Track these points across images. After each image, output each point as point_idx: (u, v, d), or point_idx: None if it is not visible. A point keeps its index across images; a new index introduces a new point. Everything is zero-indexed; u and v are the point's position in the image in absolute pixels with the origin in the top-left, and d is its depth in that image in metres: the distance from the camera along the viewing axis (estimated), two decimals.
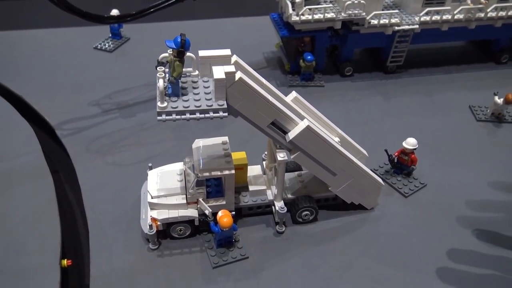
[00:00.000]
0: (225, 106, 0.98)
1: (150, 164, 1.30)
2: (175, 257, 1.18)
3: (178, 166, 1.27)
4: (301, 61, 1.83)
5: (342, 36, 1.85)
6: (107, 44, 2.09)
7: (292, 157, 1.14)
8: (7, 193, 1.34)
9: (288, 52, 1.92)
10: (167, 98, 1.00)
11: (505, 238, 1.25)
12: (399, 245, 1.23)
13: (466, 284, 1.14)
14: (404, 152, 1.39)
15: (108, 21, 1.68)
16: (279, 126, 1.11)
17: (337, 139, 1.26)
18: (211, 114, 0.98)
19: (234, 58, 1.07)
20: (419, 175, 1.42)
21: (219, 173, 1.13)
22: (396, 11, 1.81)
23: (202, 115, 0.98)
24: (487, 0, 1.83)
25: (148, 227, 1.16)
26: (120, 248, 1.20)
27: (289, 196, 1.27)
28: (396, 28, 1.80)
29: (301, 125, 1.09)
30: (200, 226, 1.20)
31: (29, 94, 1.75)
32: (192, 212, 1.18)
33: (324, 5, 1.76)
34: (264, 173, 1.34)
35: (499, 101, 1.65)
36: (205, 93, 1.02)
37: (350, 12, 1.74)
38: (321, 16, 1.73)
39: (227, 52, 1.04)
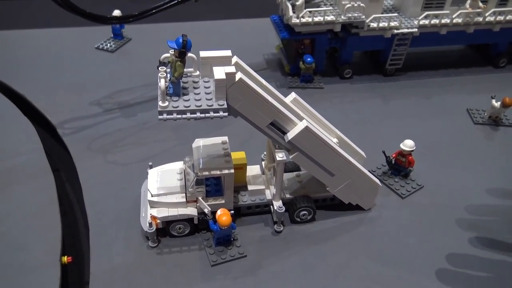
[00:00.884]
0: (225, 106, 1.00)
1: (150, 163, 1.31)
2: (174, 255, 1.19)
3: (178, 165, 1.28)
4: (301, 63, 1.85)
5: (341, 38, 1.87)
6: (109, 44, 2.11)
7: (290, 157, 1.16)
8: (8, 191, 1.35)
9: (288, 54, 1.94)
10: (168, 97, 1.01)
11: (501, 240, 1.26)
12: (396, 245, 1.25)
13: (462, 285, 1.15)
14: (402, 154, 1.40)
15: (110, 22, 1.70)
16: (278, 127, 1.12)
17: (335, 140, 1.27)
18: (212, 113, 0.99)
19: (235, 59, 1.09)
20: (416, 176, 1.44)
21: (218, 172, 1.15)
22: (395, 14, 1.83)
23: (203, 115, 0.99)
24: (486, 5, 1.85)
25: (147, 225, 1.17)
26: (120, 245, 1.21)
27: (288, 196, 1.29)
28: (395, 31, 1.81)
29: (300, 125, 1.11)
30: (199, 225, 1.22)
31: (31, 93, 1.76)
32: (191, 211, 1.20)
33: (324, 8, 1.78)
34: (263, 173, 1.35)
35: (497, 104, 1.67)
36: (206, 93, 1.03)
37: (350, 15, 1.76)
38: (321, 18, 1.75)
39: (227, 53, 1.06)
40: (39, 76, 1.89)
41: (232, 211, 1.21)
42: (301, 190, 1.30)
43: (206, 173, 1.14)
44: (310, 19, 1.74)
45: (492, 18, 1.87)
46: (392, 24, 1.80)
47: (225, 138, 1.24)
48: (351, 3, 1.74)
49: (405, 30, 1.82)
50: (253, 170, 1.34)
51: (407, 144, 1.38)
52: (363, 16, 1.76)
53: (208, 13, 2.46)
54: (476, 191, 1.42)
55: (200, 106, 0.99)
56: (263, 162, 1.38)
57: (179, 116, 0.98)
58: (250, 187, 1.29)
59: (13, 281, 1.11)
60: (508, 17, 1.88)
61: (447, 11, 1.83)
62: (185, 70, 1.04)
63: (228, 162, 1.16)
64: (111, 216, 1.29)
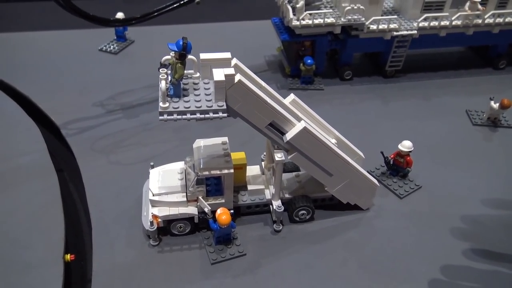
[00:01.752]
0: (225, 107, 1.02)
1: (152, 163, 1.33)
2: (175, 253, 1.21)
3: (179, 165, 1.30)
4: (301, 64, 1.87)
5: (341, 40, 1.89)
6: (112, 46, 2.13)
7: (289, 157, 1.18)
8: (12, 191, 1.38)
9: (288, 56, 1.96)
10: (168, 99, 1.03)
11: (498, 241, 1.28)
12: (394, 245, 1.26)
13: (458, 285, 1.17)
14: (400, 154, 1.42)
15: (113, 24, 1.73)
16: (277, 127, 1.14)
17: (334, 140, 1.29)
18: (211, 114, 1.02)
19: (234, 61, 1.11)
20: (414, 177, 1.46)
21: (218, 172, 1.17)
22: (395, 16, 1.85)
23: (202, 116, 1.01)
24: (485, 7, 1.86)
25: (149, 223, 1.20)
26: (122, 244, 1.23)
27: (287, 195, 1.31)
28: (395, 33, 1.83)
29: (298, 126, 1.13)
30: (200, 224, 1.24)
31: (36, 94, 1.79)
32: (192, 210, 1.22)
33: (324, 10, 1.80)
34: (263, 173, 1.37)
35: (495, 106, 1.68)
36: (206, 94, 1.05)
37: (350, 17, 1.78)
38: (321, 21, 1.77)
39: (227, 55, 1.08)
40: (43, 77, 1.91)
41: (232, 211, 1.23)
42: (300, 190, 1.32)
43: (206, 172, 1.16)
44: (310, 21, 1.76)
45: (491, 20, 1.88)
46: (391, 26, 1.82)
47: (225, 139, 1.26)
48: (351, 5, 1.76)
49: (405, 32, 1.84)
50: (253, 170, 1.36)
51: (405, 145, 1.40)
52: (363, 18, 1.78)
53: (210, 15, 2.48)
54: (474, 191, 1.44)
55: (200, 107, 1.02)
56: (262, 163, 1.40)
57: (179, 116, 1.01)
58: (249, 187, 1.31)
59: (17, 278, 1.14)
60: (508, 19, 1.89)
61: (447, 13, 1.85)
62: (185, 72, 1.06)
63: (228, 162, 1.19)
64: (113, 215, 1.31)
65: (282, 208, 1.24)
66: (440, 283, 1.17)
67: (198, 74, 1.11)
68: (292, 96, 1.23)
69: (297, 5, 1.74)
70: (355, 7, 1.76)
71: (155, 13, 1.66)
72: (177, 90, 1.03)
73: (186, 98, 1.04)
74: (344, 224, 1.32)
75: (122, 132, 1.64)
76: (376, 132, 1.68)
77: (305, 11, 1.76)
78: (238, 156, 1.28)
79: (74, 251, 1.25)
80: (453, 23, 1.86)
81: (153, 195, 1.22)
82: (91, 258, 1.20)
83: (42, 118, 1.70)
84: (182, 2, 1.68)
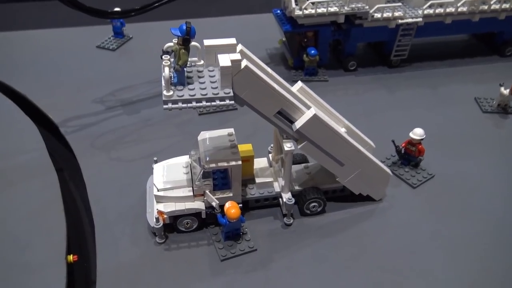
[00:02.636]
0: (231, 94, 0.98)
1: (155, 158, 1.29)
2: (182, 250, 1.17)
3: (184, 159, 1.26)
4: (304, 56, 1.82)
5: (345, 30, 1.85)
6: (110, 43, 2.08)
7: (299, 147, 1.13)
8: (12, 191, 1.33)
9: (291, 47, 1.92)
10: (173, 87, 0.99)
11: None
12: (408, 235, 1.21)
13: (477, 273, 1.12)
14: (411, 142, 1.38)
15: (111, 16, 1.68)
16: (285, 116, 1.10)
17: (343, 129, 1.24)
18: (218, 102, 0.97)
19: (239, 47, 1.07)
20: (426, 166, 1.41)
21: (225, 164, 1.12)
22: (399, 4, 1.81)
23: (208, 103, 0.97)
24: None
25: (154, 220, 1.15)
26: (126, 242, 1.18)
27: (297, 188, 1.26)
28: (400, 21, 1.79)
29: (308, 113, 1.08)
30: (207, 219, 1.19)
31: (33, 92, 1.74)
32: (199, 205, 1.17)
33: None
34: (271, 165, 1.33)
35: (505, 92, 1.64)
36: (211, 81, 1.01)
37: (353, 5, 1.73)
38: (324, 10, 1.72)
39: (232, 41, 1.04)
40: (41, 76, 1.86)
41: (241, 205, 1.18)
42: (310, 182, 1.28)
43: (213, 165, 1.11)
44: (313, 11, 1.72)
45: (497, 6, 1.84)
46: (396, 14, 1.77)
47: (231, 130, 1.21)
48: None
49: (410, 20, 1.79)
50: (260, 162, 1.32)
51: (417, 133, 1.35)
52: (367, 7, 1.73)
53: (210, 10, 2.44)
54: (486, 179, 1.39)
55: (206, 94, 0.97)
56: (270, 155, 1.36)
57: (185, 105, 0.96)
58: (258, 180, 1.26)
59: (19, 280, 1.09)
60: None
61: (452, 0, 1.81)
62: (189, 59, 1.01)
63: (235, 154, 1.14)
64: (117, 213, 1.26)
65: (293, 200, 1.19)
66: (457, 275, 1.12)
67: (202, 62, 1.06)
68: (299, 83, 1.18)
69: None
70: None
71: (155, 5, 1.61)
72: (181, 78, 0.98)
73: (190, 86, 0.99)
74: (356, 216, 1.27)
75: (123, 129, 1.59)
76: (383, 122, 1.64)
77: (308, 0, 1.71)
78: (245, 148, 1.23)
79: (76, 251, 1.20)
80: (459, 9, 1.82)
81: (158, 191, 1.17)
82: (95, 258, 1.15)
83: (40, 117, 1.65)
84: None
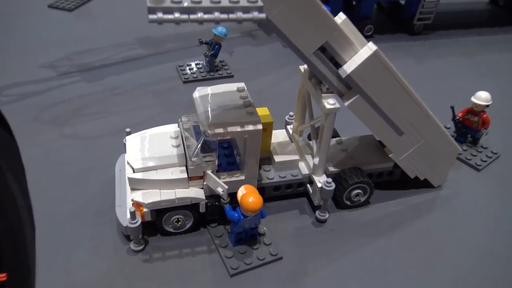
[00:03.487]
0: (261, 3, 0.60)
1: (128, 129, 0.89)
2: (170, 262, 0.78)
3: (171, 128, 0.87)
4: None
5: None
6: (65, 2, 1.67)
7: (346, 103, 0.77)
8: None
9: None
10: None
11: None
12: (484, 233, 0.88)
13: None
14: (473, 111, 1.04)
15: None
16: (330, 55, 0.73)
17: None
18: (239, 14, 0.58)
19: None
20: (488, 143, 1.08)
21: (239, 129, 0.74)
22: None
23: (224, 15, 0.58)
24: None
25: (128, 217, 0.75)
26: (84, 251, 0.79)
27: (331, 169, 0.89)
28: None
29: (366, 50, 0.72)
30: (208, 214, 0.81)
31: None
32: (196, 193, 0.78)
33: None
34: (291, 140, 0.96)
35: None
36: None
37: None
38: None
39: None
40: None
41: None
42: (349, 161, 0.91)
43: (220, 130, 0.73)
44: None
45: None
46: None
47: (242, 84, 0.83)
48: None
49: None
50: (278, 136, 0.94)
51: (482, 97, 1.02)
52: None
53: None
54: None
55: (219, 2, 0.58)
56: (288, 127, 0.98)
57: (185, 16, 0.57)
58: (277, 158, 0.88)
59: None
60: None
61: None
62: None
63: (252, 115, 0.76)
64: (70, 209, 0.87)
65: (333, 185, 0.82)
66: None
67: None
68: (342, 15, 0.81)
69: None
70: None
71: None
72: None
73: None
74: (413, 208, 0.92)
75: (81, 99, 1.18)
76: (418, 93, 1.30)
77: None
78: (259, 112, 0.85)
79: (7, 266, 0.78)
80: None
81: (134, 171, 0.78)
82: (34, 277, 0.74)
83: None
84: None
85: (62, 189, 0.91)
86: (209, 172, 0.78)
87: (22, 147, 0.79)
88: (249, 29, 1.58)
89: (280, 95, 1.23)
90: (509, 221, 0.91)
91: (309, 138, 0.96)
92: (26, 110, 1.12)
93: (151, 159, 0.79)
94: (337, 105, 0.77)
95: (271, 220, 0.86)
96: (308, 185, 0.89)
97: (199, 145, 0.76)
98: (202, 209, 0.79)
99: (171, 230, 0.81)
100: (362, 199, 0.90)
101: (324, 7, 0.68)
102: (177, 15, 0.56)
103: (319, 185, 0.83)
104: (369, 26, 1.57)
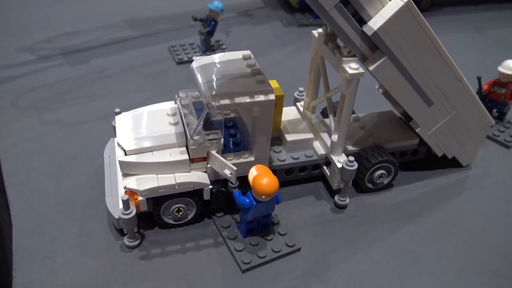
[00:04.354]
0: None
1: (117, 109, 0.78)
2: (172, 258, 0.68)
3: (166, 105, 0.76)
4: None
5: None
6: None
7: (371, 68, 0.66)
8: None
9: None
10: None
11: None
12: None
13: None
14: (499, 83, 0.95)
15: None
16: (354, 9, 0.63)
17: None
18: None
19: None
20: None
21: (248, 99, 0.63)
22: None
23: None
24: None
25: (120, 207, 0.64)
26: (69, 249, 0.68)
27: (350, 148, 0.79)
28: None
29: (396, 2, 0.62)
30: (213, 202, 0.70)
31: None
32: (199, 177, 0.67)
33: None
34: (303, 117, 0.85)
35: None
36: None
37: None
38: None
39: None
40: None
41: None
42: (369, 139, 0.81)
43: (226, 101, 0.62)
44: None
45: None
46: None
47: (248, 52, 0.73)
48: None
49: None
50: (287, 113, 0.84)
51: (510, 66, 0.93)
52: None
53: None
54: None
55: None
56: (298, 104, 0.88)
57: None
58: (289, 137, 0.78)
59: None
60: None
61: None
62: None
63: (263, 83, 0.66)
64: (53, 202, 0.76)
65: (355, 164, 0.72)
66: None
67: None
68: None
69: None
70: None
71: None
72: None
73: None
74: (441, 190, 0.83)
75: (64, 82, 1.07)
76: None
77: None
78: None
79: None
80: None
81: (126, 154, 0.67)
82: (11, 279, 0.63)
83: None
84: None
85: (43, 181, 0.79)
86: (213, 152, 0.67)
87: None
88: (246, 8, 1.47)
89: (285, 74, 1.12)
90: None
91: (323, 115, 0.86)
92: (1, 95, 1.00)
93: (146, 139, 0.68)
94: (361, 70, 0.67)
95: (284, 207, 0.75)
96: (325, 167, 0.79)
97: (202, 121, 0.65)
98: (206, 196, 0.69)
99: (171, 221, 0.70)
100: (386, 181, 0.80)
101: None
102: None
103: (339, 165, 0.73)
104: None
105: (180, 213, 0.69)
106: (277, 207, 0.70)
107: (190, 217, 0.71)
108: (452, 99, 0.74)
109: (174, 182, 0.66)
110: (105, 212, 0.72)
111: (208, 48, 1.19)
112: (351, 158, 0.72)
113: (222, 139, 0.67)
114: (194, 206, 0.70)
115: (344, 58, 0.67)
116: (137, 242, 0.68)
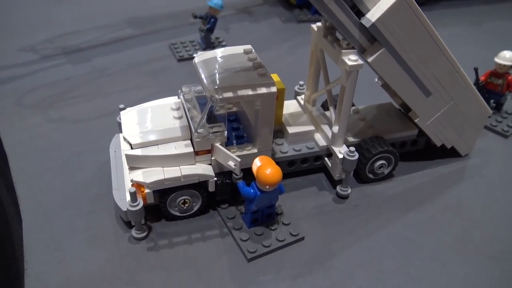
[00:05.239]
0: None
1: (121, 105, 0.79)
2: (179, 249, 0.69)
3: (170, 100, 0.77)
4: None
5: None
6: None
7: (370, 59, 0.68)
8: None
9: None
10: None
11: None
12: None
13: None
14: (496, 73, 0.96)
15: None
16: (352, 2, 0.64)
17: None
18: None
19: None
20: (510, 108, 1.01)
21: (250, 92, 0.65)
22: None
23: None
24: None
25: (128, 199, 0.66)
26: (79, 242, 0.69)
27: (351, 139, 0.81)
28: None
29: None
30: (218, 194, 0.71)
31: None
32: (203, 169, 0.69)
33: None
34: (303, 110, 0.87)
35: None
36: None
37: None
38: None
39: None
40: None
41: None
42: (370, 130, 0.83)
43: (229, 94, 0.64)
44: None
45: None
46: None
47: (249, 46, 0.74)
48: None
49: None
50: (289, 107, 0.85)
51: (507, 57, 0.95)
52: None
53: None
54: None
55: None
56: (299, 97, 0.89)
57: None
58: (290, 130, 0.79)
59: None
60: None
61: None
62: None
63: (265, 76, 0.67)
64: (61, 198, 0.77)
65: (356, 155, 0.74)
66: None
67: None
68: None
69: None
70: None
71: None
72: None
73: None
74: (441, 179, 0.85)
75: (68, 81, 1.09)
76: None
77: None
78: None
79: None
80: None
81: (132, 148, 0.68)
82: (23, 272, 0.64)
83: None
84: None
85: (50, 177, 0.81)
86: (217, 144, 0.68)
87: (4, 134, 0.67)
88: (245, 5, 1.48)
89: (284, 69, 1.13)
90: None
91: (323, 108, 0.87)
92: (5, 94, 1.02)
93: (151, 133, 0.69)
94: (360, 61, 0.68)
95: (287, 198, 0.77)
96: (326, 158, 0.80)
97: (205, 114, 0.67)
98: (211, 187, 0.70)
99: (177, 213, 0.72)
100: (386, 171, 0.82)
101: None
102: None
103: (340, 156, 0.75)
104: None
105: (186, 205, 0.71)
106: (281, 198, 0.72)
107: (195, 209, 0.72)
108: (450, 89, 0.76)
109: (180, 175, 0.67)
110: (112, 206, 0.73)
111: (208, 45, 1.21)
112: (352, 148, 0.74)
113: (226, 132, 0.69)
114: (200, 198, 0.71)
115: (343, 51, 0.69)
116: (144, 234, 0.70)
